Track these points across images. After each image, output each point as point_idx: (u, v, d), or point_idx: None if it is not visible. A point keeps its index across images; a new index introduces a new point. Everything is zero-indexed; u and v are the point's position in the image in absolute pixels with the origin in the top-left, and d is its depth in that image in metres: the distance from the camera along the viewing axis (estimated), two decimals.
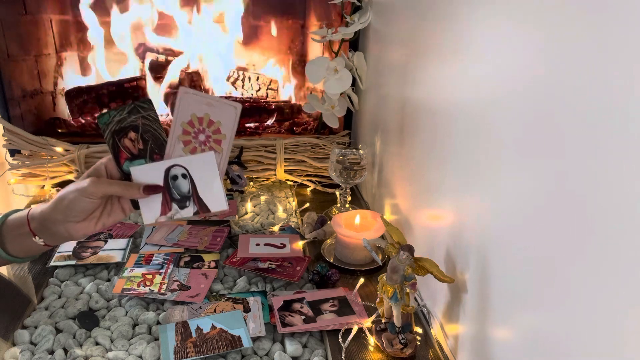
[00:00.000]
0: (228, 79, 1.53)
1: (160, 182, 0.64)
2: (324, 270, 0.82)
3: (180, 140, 0.65)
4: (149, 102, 0.64)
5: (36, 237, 0.63)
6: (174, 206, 0.65)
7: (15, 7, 1.23)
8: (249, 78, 1.53)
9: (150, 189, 0.63)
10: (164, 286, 0.79)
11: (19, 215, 0.65)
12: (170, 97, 1.42)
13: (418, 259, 0.64)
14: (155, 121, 0.65)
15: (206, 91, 1.50)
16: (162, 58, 1.51)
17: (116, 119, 0.64)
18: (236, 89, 1.53)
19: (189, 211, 0.66)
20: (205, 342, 0.66)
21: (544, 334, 0.45)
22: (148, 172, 0.64)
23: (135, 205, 0.65)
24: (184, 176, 0.65)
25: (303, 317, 0.72)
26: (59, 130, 1.31)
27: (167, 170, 0.65)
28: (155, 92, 1.49)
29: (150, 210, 0.65)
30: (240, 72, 1.54)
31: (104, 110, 0.65)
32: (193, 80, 1.47)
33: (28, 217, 0.64)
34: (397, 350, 0.65)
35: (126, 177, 0.65)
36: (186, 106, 0.64)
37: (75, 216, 0.61)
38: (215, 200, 0.65)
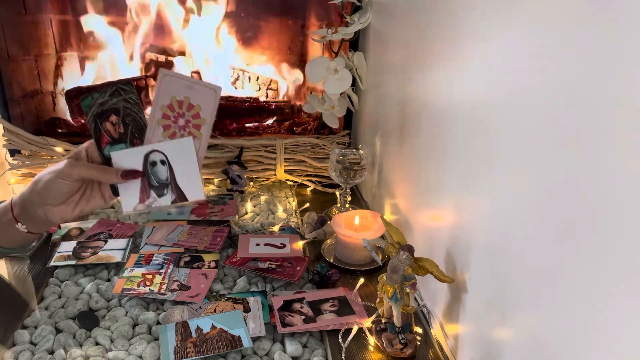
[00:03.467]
0: (234, 82, 1.53)
1: (140, 168, 0.63)
2: (324, 270, 0.82)
3: (160, 124, 0.64)
4: (130, 84, 0.63)
5: (19, 223, 0.63)
6: (152, 194, 0.64)
7: (15, 7, 1.23)
8: (249, 78, 1.53)
9: (129, 174, 0.62)
10: (164, 286, 0.79)
11: (4, 204, 0.65)
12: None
13: (418, 259, 0.64)
14: (136, 104, 0.64)
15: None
16: (162, 58, 1.51)
17: (98, 101, 0.63)
18: (236, 88, 1.53)
19: (167, 199, 0.65)
20: (205, 342, 0.66)
21: (544, 334, 0.45)
22: (128, 157, 0.63)
23: (115, 191, 0.65)
24: (162, 162, 0.64)
25: (303, 317, 0.72)
26: (59, 130, 1.31)
27: (147, 156, 0.64)
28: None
29: (129, 196, 0.64)
30: (240, 72, 1.54)
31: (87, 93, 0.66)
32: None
33: (11, 203, 0.63)
34: (397, 350, 0.65)
35: (107, 162, 0.64)
36: (166, 89, 0.63)
37: (52, 199, 0.61)
38: (193, 188, 0.64)
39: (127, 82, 0.64)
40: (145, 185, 0.64)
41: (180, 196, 0.65)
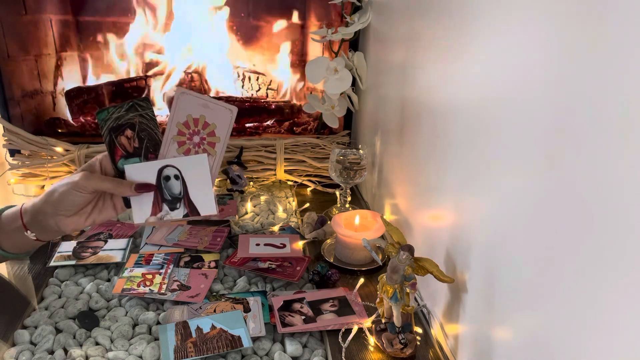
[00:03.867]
0: (242, 80, 1.52)
1: (153, 182, 0.64)
2: (324, 270, 0.82)
3: (175, 140, 0.65)
4: (147, 100, 0.65)
5: (28, 231, 0.63)
6: (165, 207, 0.66)
7: (15, 7, 1.23)
8: (249, 78, 1.54)
9: (143, 187, 0.63)
10: (164, 286, 0.79)
11: (13, 210, 0.65)
12: (170, 97, 1.42)
13: (418, 259, 0.64)
14: (152, 120, 0.65)
15: (206, 91, 1.50)
16: (162, 57, 1.51)
17: (114, 115, 0.64)
18: (236, 88, 1.54)
19: (179, 213, 0.66)
20: (205, 342, 0.66)
21: (543, 334, 0.45)
22: (141, 171, 0.64)
23: (127, 203, 0.65)
24: (176, 177, 0.65)
25: (303, 317, 0.72)
26: (59, 130, 1.31)
27: (160, 170, 0.65)
28: (156, 92, 1.49)
29: (141, 209, 0.65)
30: (241, 72, 1.54)
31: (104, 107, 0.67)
32: (193, 80, 1.47)
33: (21, 211, 0.63)
34: (397, 350, 0.65)
35: (120, 174, 0.65)
36: (182, 107, 0.64)
37: (65, 210, 0.61)
38: (206, 204, 0.65)
39: (144, 98, 0.65)
40: (158, 198, 0.65)
41: (193, 210, 0.66)
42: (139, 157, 0.65)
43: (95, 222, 0.65)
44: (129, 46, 1.49)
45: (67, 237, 0.94)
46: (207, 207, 0.66)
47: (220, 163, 0.66)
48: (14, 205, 0.66)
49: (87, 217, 0.63)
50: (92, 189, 0.61)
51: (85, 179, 0.60)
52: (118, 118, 0.64)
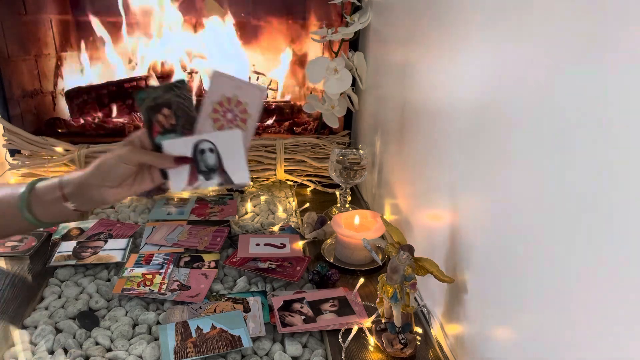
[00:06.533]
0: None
1: (189, 155, 0.69)
2: (324, 270, 0.82)
3: (209, 117, 0.70)
4: (183, 82, 0.69)
5: (68, 202, 0.67)
6: (200, 177, 0.70)
7: (15, 7, 1.23)
8: (249, 78, 1.53)
9: (181, 160, 0.68)
10: (164, 286, 0.79)
11: (49, 183, 0.69)
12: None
13: (418, 259, 0.64)
14: (188, 99, 0.69)
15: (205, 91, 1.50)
16: (162, 58, 1.51)
17: (152, 95, 0.69)
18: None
19: (214, 182, 0.71)
20: (205, 342, 0.66)
21: (543, 333, 0.45)
22: (178, 145, 0.69)
23: (164, 175, 0.70)
24: (211, 150, 0.70)
25: (303, 317, 0.72)
26: (59, 130, 1.31)
27: (196, 145, 0.69)
28: None
29: (179, 179, 0.70)
30: (240, 72, 1.54)
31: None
32: (193, 79, 1.47)
33: (60, 183, 0.67)
34: (397, 350, 0.65)
35: (157, 149, 0.69)
36: (217, 87, 0.69)
37: (111, 181, 0.66)
38: (239, 173, 0.71)
39: (181, 80, 0.70)
40: (194, 169, 0.70)
41: (227, 180, 0.71)
42: (175, 133, 0.69)
43: (136, 192, 0.69)
44: (129, 46, 1.49)
45: (67, 237, 0.94)
46: (241, 176, 0.71)
47: (251, 137, 0.72)
48: (45, 178, 0.70)
49: (128, 188, 0.68)
50: (137, 162, 0.66)
51: (132, 152, 0.65)
52: (156, 98, 0.68)
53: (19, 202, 0.67)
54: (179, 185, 0.70)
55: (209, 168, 0.70)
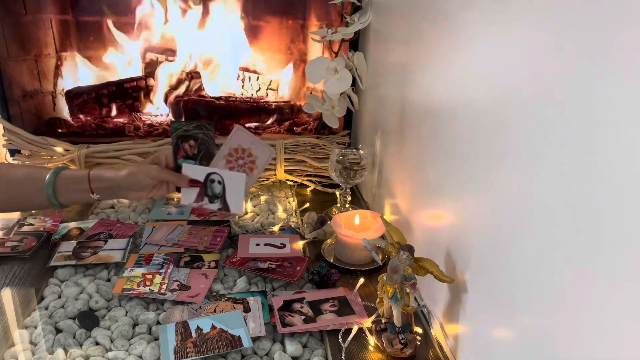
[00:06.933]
0: (242, 80, 1.53)
1: (202, 180, 0.87)
2: (324, 270, 0.82)
3: (224, 158, 0.87)
4: (212, 124, 0.88)
5: (94, 194, 0.83)
6: (205, 199, 0.88)
7: (15, 7, 1.23)
8: (249, 78, 1.54)
9: (194, 182, 0.87)
10: (164, 286, 0.79)
11: (76, 174, 0.84)
12: (170, 96, 1.42)
13: (418, 259, 0.64)
14: (212, 139, 0.88)
15: (203, 89, 1.50)
16: (162, 58, 1.51)
17: (184, 127, 0.87)
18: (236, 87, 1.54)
19: (215, 206, 0.88)
20: (205, 342, 0.66)
21: (543, 334, 0.45)
22: (195, 171, 0.87)
23: (178, 189, 0.88)
24: (219, 182, 0.87)
25: (303, 317, 0.72)
26: (59, 130, 1.31)
27: (209, 174, 0.87)
28: (157, 92, 1.49)
29: (189, 196, 0.88)
30: (241, 72, 1.54)
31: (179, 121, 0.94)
32: (192, 80, 1.47)
33: (90, 177, 0.83)
34: (397, 350, 0.65)
35: (177, 168, 0.88)
36: (237, 138, 0.87)
37: (137, 188, 0.84)
38: (236, 206, 0.88)
39: (210, 123, 0.88)
40: (202, 192, 0.88)
41: (225, 207, 0.88)
42: (194, 160, 0.88)
43: (153, 197, 0.88)
44: (129, 46, 1.49)
45: (67, 237, 0.94)
46: (236, 207, 0.88)
47: (253, 183, 0.90)
48: (65, 167, 0.86)
49: (148, 193, 0.85)
50: (160, 179, 0.84)
51: (158, 171, 0.83)
52: (187, 130, 0.87)
53: (46, 188, 0.81)
54: (188, 200, 0.88)
55: (214, 194, 0.88)
